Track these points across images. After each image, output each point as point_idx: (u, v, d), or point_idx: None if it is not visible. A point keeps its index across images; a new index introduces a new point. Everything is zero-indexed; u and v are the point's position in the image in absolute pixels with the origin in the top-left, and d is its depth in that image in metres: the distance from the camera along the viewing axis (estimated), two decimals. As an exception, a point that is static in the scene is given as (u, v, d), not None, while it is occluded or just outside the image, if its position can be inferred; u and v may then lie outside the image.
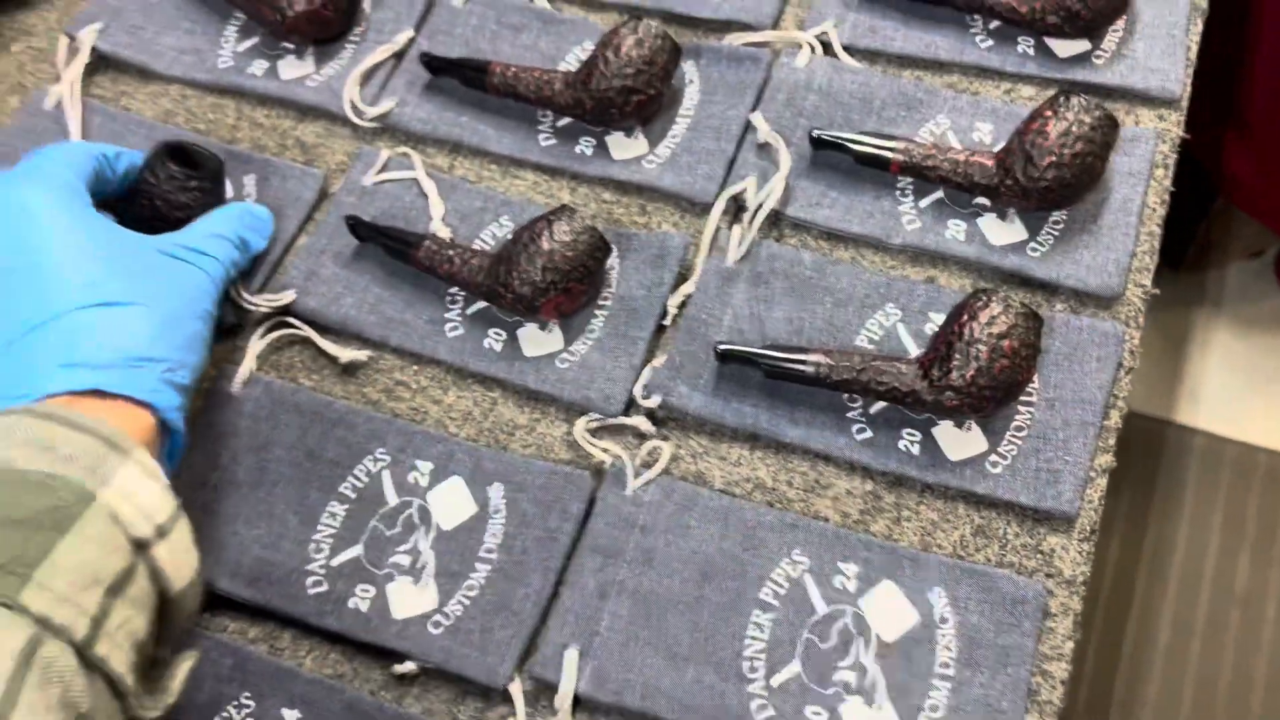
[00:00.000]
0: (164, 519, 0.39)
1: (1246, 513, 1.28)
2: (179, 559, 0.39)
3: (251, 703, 0.48)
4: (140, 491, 0.38)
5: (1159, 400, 1.35)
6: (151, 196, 0.54)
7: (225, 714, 0.48)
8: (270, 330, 0.56)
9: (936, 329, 0.51)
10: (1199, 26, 0.60)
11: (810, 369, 0.50)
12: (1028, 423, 0.51)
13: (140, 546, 0.38)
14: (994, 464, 0.50)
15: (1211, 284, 1.42)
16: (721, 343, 0.52)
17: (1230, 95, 1.10)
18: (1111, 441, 0.50)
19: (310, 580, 0.50)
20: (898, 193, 0.57)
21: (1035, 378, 0.51)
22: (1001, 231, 0.55)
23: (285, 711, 0.48)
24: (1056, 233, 0.55)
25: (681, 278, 0.56)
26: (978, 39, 0.60)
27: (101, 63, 0.66)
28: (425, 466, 0.52)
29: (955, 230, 0.55)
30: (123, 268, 0.46)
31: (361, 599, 0.49)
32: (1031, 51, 0.59)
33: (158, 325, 0.45)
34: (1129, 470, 1.30)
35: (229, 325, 0.56)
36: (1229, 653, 1.21)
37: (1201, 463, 1.32)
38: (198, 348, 0.47)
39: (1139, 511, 1.29)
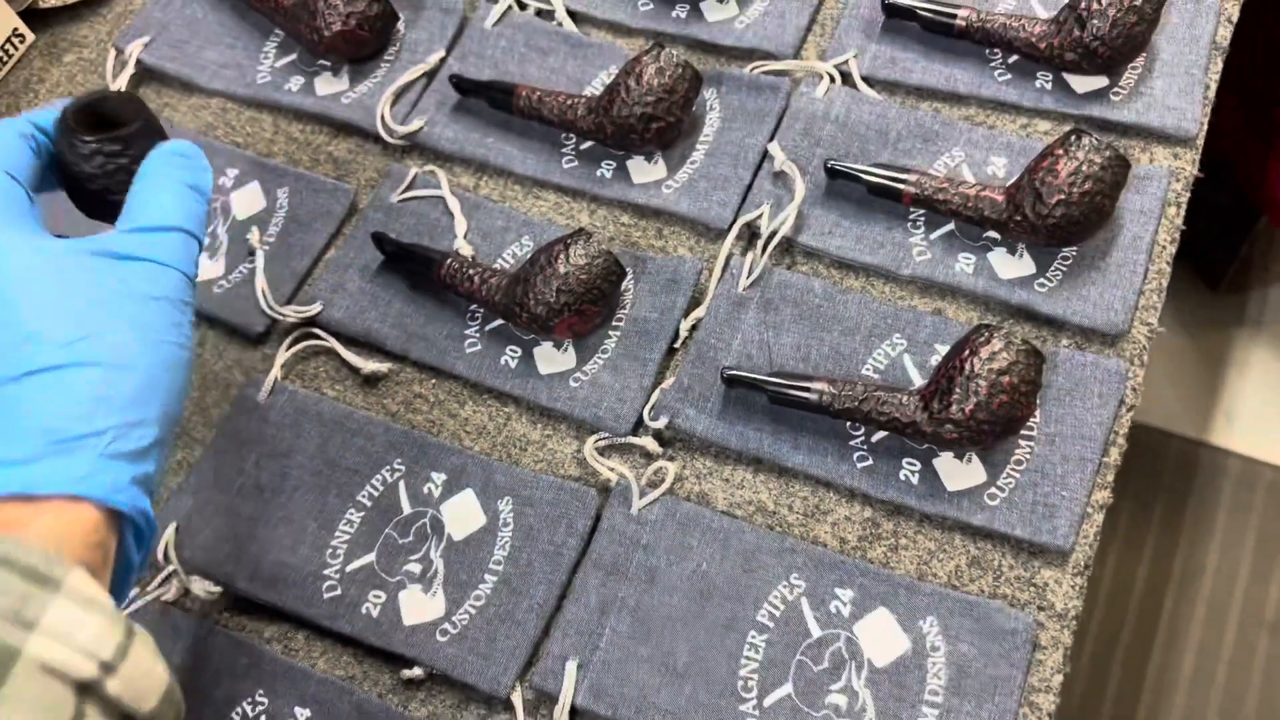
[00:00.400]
0: (110, 654, 0.32)
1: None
2: (139, 685, 0.33)
3: (265, 700, 0.50)
4: (77, 629, 0.32)
5: (1194, 421, 1.34)
6: (72, 177, 0.43)
7: (240, 710, 0.50)
8: (296, 341, 0.58)
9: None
10: (1219, 65, 0.60)
11: (814, 396, 0.52)
12: (1027, 457, 0.51)
13: (86, 688, 0.32)
14: (992, 496, 0.51)
15: (1252, 305, 1.41)
16: (728, 367, 0.53)
17: (1272, 120, 1.10)
18: (1110, 478, 0.51)
19: (325, 585, 0.52)
20: (909, 224, 0.58)
21: (1037, 412, 0.52)
22: (1010, 266, 0.56)
23: (297, 710, 0.50)
24: (1065, 269, 0.55)
25: (694, 302, 0.57)
26: (996, 73, 0.61)
27: (147, 75, 0.68)
28: (439, 478, 0.54)
29: (964, 263, 0.56)
30: (55, 313, 0.37)
31: (373, 604, 0.52)
32: (1049, 86, 0.60)
33: (95, 386, 0.36)
34: (1160, 491, 1.30)
35: (255, 334, 0.59)
36: (1256, 679, 1.20)
37: (1235, 485, 1.31)
38: (162, 387, 0.38)
39: (1169, 532, 1.28)
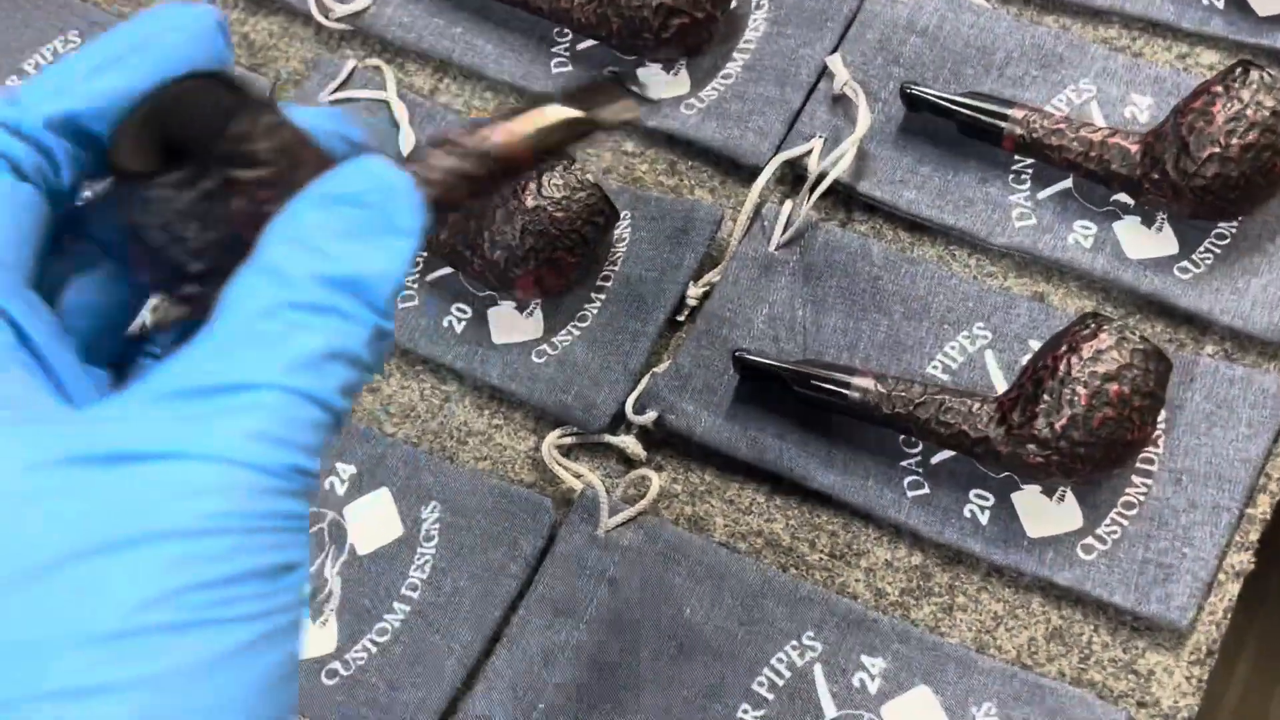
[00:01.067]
0: None
1: None
2: None
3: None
4: None
5: None
6: (142, 239, 0.31)
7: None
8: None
9: (1035, 362, 0.53)
10: None
11: (856, 396, 0.54)
12: (1141, 498, 0.53)
13: None
14: (1087, 549, 0.52)
15: None
16: (744, 350, 0.55)
17: None
18: (1254, 537, 0.52)
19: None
20: (1011, 177, 0.59)
21: (1159, 439, 0.54)
22: (1143, 242, 0.58)
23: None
24: (1218, 250, 0.57)
25: (710, 261, 0.59)
26: (1149, -19, 0.63)
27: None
28: (346, 470, 0.57)
29: (1081, 234, 0.58)
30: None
31: (243, 630, 0.54)
32: (1220, 4, 0.62)
33: None
34: (1273, 571, 1.29)
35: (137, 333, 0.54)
36: None
37: None
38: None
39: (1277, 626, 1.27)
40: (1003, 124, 0.59)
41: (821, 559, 0.54)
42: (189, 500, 0.26)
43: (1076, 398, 0.50)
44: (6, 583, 0.26)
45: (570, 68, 0.64)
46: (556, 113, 0.35)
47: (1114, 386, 0.50)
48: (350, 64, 0.66)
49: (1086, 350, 0.51)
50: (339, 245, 0.29)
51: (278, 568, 0.27)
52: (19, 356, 0.29)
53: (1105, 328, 0.51)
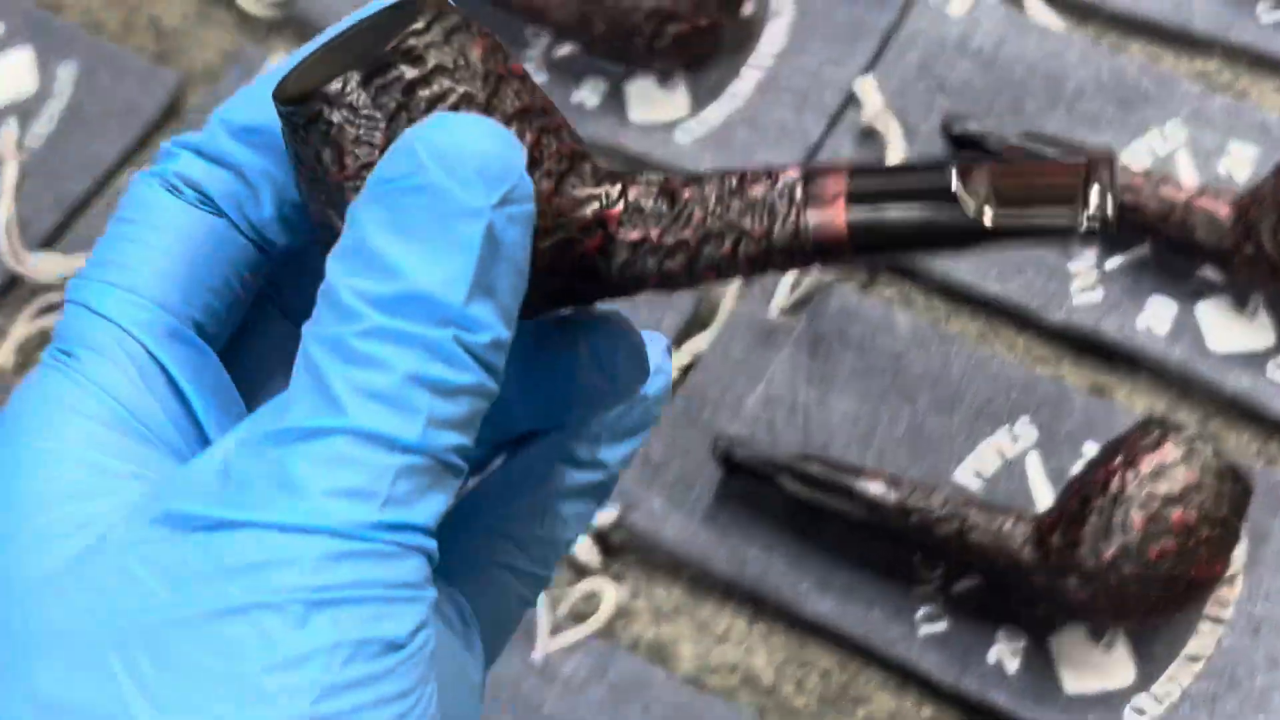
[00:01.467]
0: None
1: None
2: None
3: None
4: None
5: None
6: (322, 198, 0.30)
7: None
8: (49, 310, 0.61)
9: (1089, 472, 0.53)
10: None
11: (863, 503, 0.53)
12: (1208, 650, 0.52)
13: None
14: (1138, 710, 0.51)
15: None
16: (729, 439, 0.54)
17: None
18: (1347, 705, 0.51)
19: None
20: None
21: (1238, 579, 0.53)
22: (1232, 329, 0.57)
23: None
24: (1326, 345, 0.56)
25: (697, 324, 0.59)
26: (1259, 7, 0.62)
27: None
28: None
29: (1156, 315, 0.57)
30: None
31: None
32: (1345, 38, 0.61)
33: None
34: None
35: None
36: None
37: None
38: None
39: None
40: (1066, 174, 0.58)
41: (809, 704, 0.53)
42: (241, 577, 0.26)
43: (1129, 522, 0.49)
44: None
45: (545, 76, 0.64)
46: (945, 193, 0.26)
47: (1176, 512, 0.49)
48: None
49: (1146, 464, 0.50)
50: (391, 249, 0.27)
51: (382, 644, 0.26)
52: (166, 404, 0.30)
53: (1171, 437, 0.50)
